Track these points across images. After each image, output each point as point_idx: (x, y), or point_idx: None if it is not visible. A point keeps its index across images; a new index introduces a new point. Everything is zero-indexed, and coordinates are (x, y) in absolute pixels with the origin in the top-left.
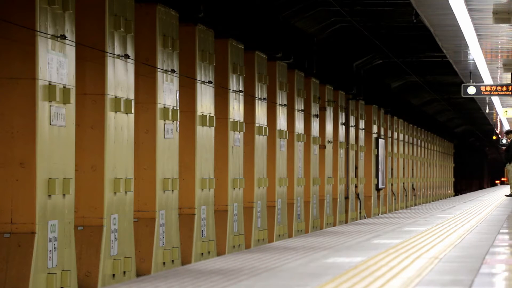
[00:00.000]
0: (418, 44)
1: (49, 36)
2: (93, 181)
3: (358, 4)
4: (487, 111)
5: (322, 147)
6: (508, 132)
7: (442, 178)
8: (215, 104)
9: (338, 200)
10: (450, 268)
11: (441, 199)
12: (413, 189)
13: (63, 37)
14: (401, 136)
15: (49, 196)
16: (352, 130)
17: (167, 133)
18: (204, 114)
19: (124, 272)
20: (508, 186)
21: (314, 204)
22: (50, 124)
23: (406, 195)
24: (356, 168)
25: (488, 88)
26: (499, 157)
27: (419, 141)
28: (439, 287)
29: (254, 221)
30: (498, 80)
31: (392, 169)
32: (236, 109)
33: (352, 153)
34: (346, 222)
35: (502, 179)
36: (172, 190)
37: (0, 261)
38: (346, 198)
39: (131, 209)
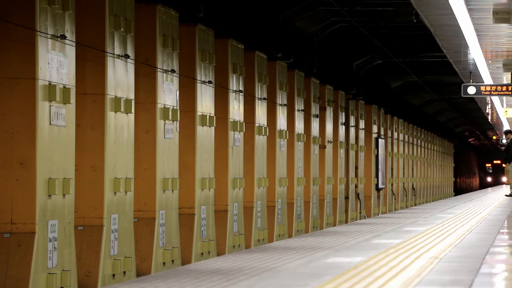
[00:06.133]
0: (418, 44)
1: (49, 36)
2: (93, 181)
3: (358, 4)
4: (487, 111)
5: (322, 147)
6: (507, 132)
7: (442, 178)
8: (215, 104)
9: (338, 200)
10: (450, 268)
11: (441, 199)
12: (413, 189)
13: (63, 37)
14: (401, 136)
15: (49, 196)
16: (352, 130)
17: (167, 133)
18: (204, 114)
19: (124, 272)
20: (508, 186)
21: (314, 204)
22: (50, 124)
23: (406, 195)
24: (356, 168)
25: (488, 88)
26: (488, 143)
27: (419, 141)
28: (439, 287)
29: (254, 221)
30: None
31: (392, 169)
32: (236, 109)
33: (352, 153)
34: (346, 222)
35: (495, 161)
36: (172, 190)
37: (0, 261)
38: (346, 198)
39: (131, 209)
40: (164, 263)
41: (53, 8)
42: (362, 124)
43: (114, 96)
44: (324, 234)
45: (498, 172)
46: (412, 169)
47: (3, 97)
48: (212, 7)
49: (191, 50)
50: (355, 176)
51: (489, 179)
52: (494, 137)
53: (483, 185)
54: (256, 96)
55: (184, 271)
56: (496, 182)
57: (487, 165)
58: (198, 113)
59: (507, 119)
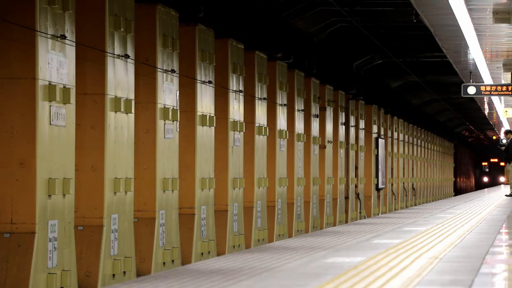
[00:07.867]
0: (418, 44)
1: (49, 36)
2: (93, 181)
3: (358, 4)
4: (487, 111)
5: (322, 147)
6: (507, 132)
7: (442, 178)
8: (215, 104)
9: (338, 200)
10: (450, 268)
11: (441, 199)
12: (413, 189)
13: (63, 37)
14: (401, 136)
15: (49, 196)
16: (352, 130)
17: (167, 133)
18: (204, 114)
19: (124, 272)
20: (508, 186)
21: (314, 204)
22: (50, 124)
23: (406, 195)
24: (356, 168)
25: (488, 88)
26: (483, 138)
27: (419, 141)
28: (439, 287)
29: (254, 221)
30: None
31: (392, 169)
32: (236, 109)
33: (352, 153)
34: (346, 222)
35: (492, 160)
36: (172, 190)
37: (0, 261)
38: (346, 198)
39: (131, 209)
40: (164, 263)
41: (53, 8)
42: (362, 124)
43: (114, 96)
44: (324, 234)
45: (495, 171)
46: (412, 169)
47: (3, 97)
48: (212, 7)
49: (191, 50)
50: (355, 176)
51: (485, 179)
52: (494, 137)
53: (479, 186)
54: (256, 96)
55: (184, 271)
56: (493, 183)
57: (483, 163)
58: (198, 113)
59: (507, 119)
